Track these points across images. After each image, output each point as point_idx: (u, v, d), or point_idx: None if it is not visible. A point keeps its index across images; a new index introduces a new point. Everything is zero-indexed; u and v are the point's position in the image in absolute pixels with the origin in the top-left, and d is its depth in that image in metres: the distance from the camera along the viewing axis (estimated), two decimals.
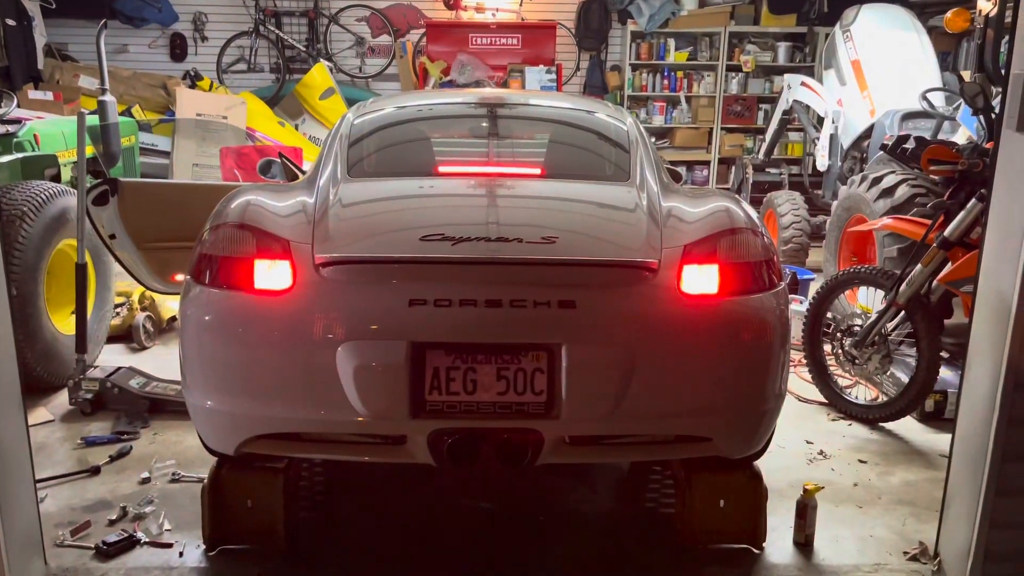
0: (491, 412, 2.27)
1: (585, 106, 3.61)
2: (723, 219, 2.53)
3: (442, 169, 2.93)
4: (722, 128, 9.76)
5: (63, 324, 4.24)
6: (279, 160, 4.16)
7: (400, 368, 2.23)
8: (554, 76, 9.12)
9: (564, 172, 3.03)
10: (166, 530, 2.88)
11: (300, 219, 2.50)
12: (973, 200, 3.49)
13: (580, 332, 2.26)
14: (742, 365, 2.40)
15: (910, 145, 4.15)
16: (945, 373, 3.92)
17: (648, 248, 2.41)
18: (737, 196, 2.79)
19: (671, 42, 9.56)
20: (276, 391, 2.30)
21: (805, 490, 2.87)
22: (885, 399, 3.97)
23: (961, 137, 5.65)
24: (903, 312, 3.74)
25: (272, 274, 2.33)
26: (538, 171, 2.96)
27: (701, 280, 2.37)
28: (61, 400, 4.00)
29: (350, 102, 7.99)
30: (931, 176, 4.40)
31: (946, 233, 3.57)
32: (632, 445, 2.48)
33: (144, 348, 4.85)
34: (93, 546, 2.76)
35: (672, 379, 2.32)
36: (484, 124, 3.35)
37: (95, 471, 3.31)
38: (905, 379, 3.86)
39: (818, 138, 7.01)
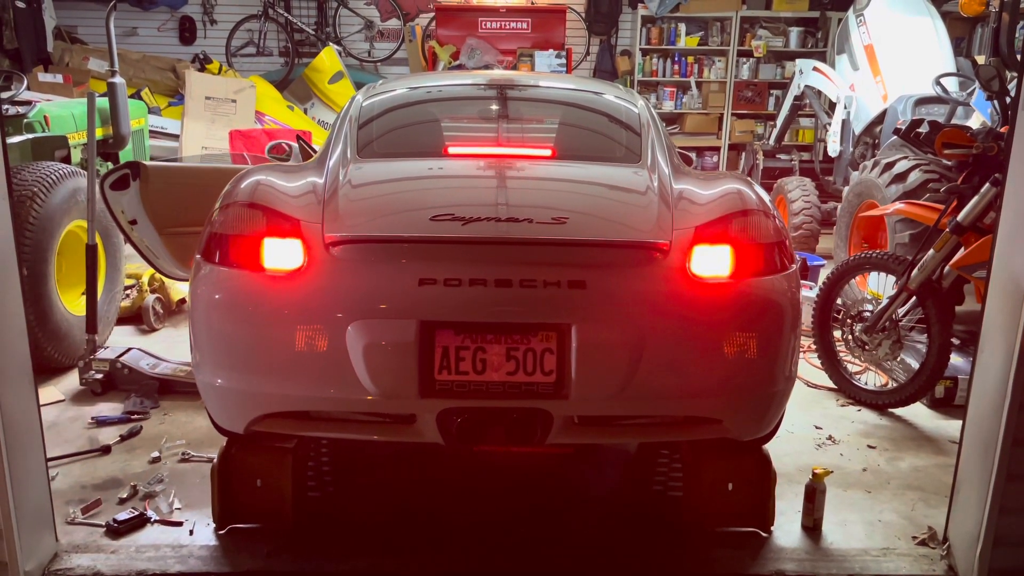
0: (500, 392, 2.27)
1: (596, 88, 3.59)
2: (735, 201, 2.51)
3: (452, 150, 2.91)
4: (733, 114, 9.70)
5: (73, 305, 4.26)
6: (298, 143, 4.12)
7: (409, 347, 2.22)
8: (564, 61, 9.08)
9: (575, 154, 3.01)
10: (176, 509, 2.90)
11: (310, 199, 2.49)
12: (987, 184, 3.45)
13: (590, 312, 2.25)
14: (752, 347, 2.38)
15: (924, 129, 4.10)
16: (956, 359, 3.90)
17: (659, 229, 2.40)
18: (749, 179, 2.77)
19: (682, 27, 9.50)
20: (286, 370, 2.30)
21: (814, 474, 2.86)
22: (895, 385, 3.95)
23: (975, 122, 5.61)
24: (914, 298, 3.72)
25: (282, 253, 2.33)
26: (549, 152, 2.94)
27: (712, 261, 2.36)
28: (72, 380, 4.03)
29: (359, 86, 7.94)
30: (945, 161, 4.36)
31: (959, 218, 3.54)
32: (641, 426, 2.47)
33: (154, 330, 4.87)
34: (104, 524, 2.78)
35: (682, 360, 2.31)
36: (494, 105, 3.34)
37: (106, 450, 3.33)
38: (915, 365, 3.83)
39: (830, 124, 6.96)
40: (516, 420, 2.29)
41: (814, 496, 2.85)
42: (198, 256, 2.47)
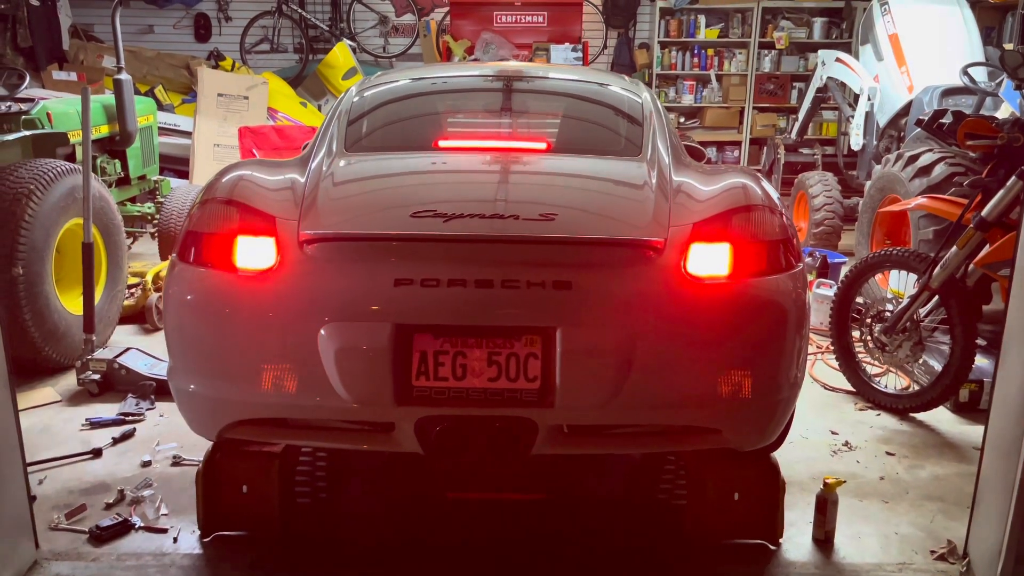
0: (482, 399, 2.15)
1: (598, 79, 3.45)
2: (738, 196, 2.37)
3: (442, 144, 2.79)
4: (754, 107, 9.49)
5: (73, 304, 4.20)
6: None
7: (384, 352, 2.11)
8: (580, 54, 8.93)
9: (571, 147, 2.88)
10: (162, 515, 2.82)
11: (288, 195, 2.39)
12: (1013, 178, 3.27)
13: (576, 315, 2.12)
14: (753, 352, 2.24)
15: (947, 120, 3.91)
16: (981, 361, 3.72)
17: (654, 226, 2.26)
18: (756, 173, 2.62)
19: (701, 18, 9.30)
20: (257, 375, 2.20)
21: (825, 484, 2.71)
22: (916, 388, 3.78)
23: (1004, 113, 5.38)
24: (937, 297, 3.54)
25: (254, 251, 2.23)
26: (544, 146, 2.80)
27: (710, 260, 2.22)
28: (70, 380, 3.98)
29: None
30: (969, 153, 4.17)
31: (983, 213, 3.36)
32: (635, 436, 2.32)
33: (157, 329, 4.80)
34: (87, 530, 2.71)
35: (676, 366, 2.17)
36: (489, 98, 3.21)
37: (97, 453, 3.26)
38: (938, 367, 3.66)
39: (853, 116, 6.74)
40: (499, 429, 2.16)
41: (825, 507, 2.71)
42: (173, 255, 2.37)
